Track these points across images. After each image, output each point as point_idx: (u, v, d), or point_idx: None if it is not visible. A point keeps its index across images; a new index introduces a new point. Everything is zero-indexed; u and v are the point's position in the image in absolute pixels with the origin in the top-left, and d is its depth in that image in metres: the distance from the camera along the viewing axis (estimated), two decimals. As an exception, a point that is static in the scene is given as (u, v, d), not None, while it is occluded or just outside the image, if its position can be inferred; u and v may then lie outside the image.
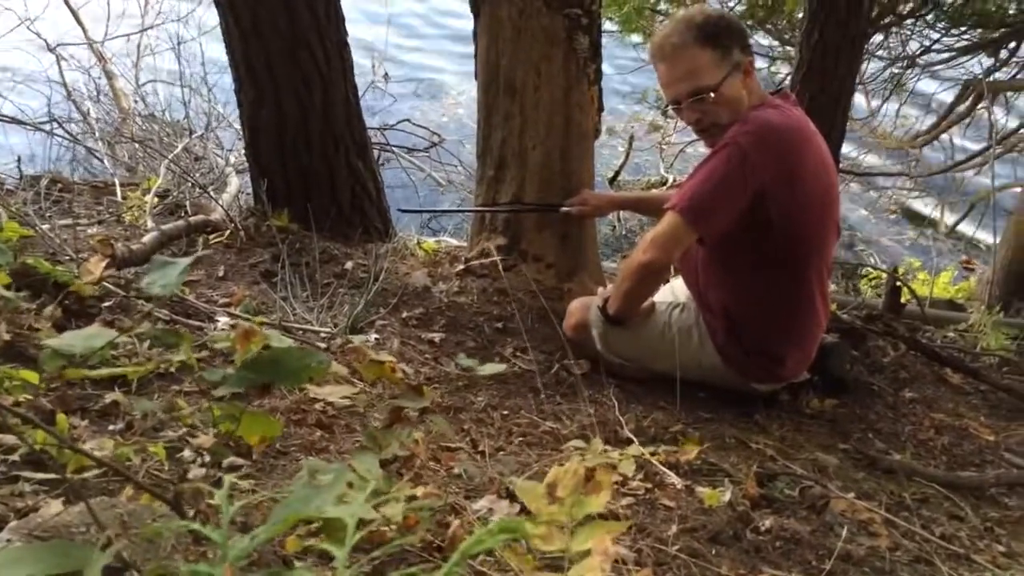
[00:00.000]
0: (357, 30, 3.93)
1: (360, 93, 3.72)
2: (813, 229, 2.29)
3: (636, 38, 7.59)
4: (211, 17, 3.39)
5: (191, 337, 1.02)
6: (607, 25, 7.88)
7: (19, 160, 3.97)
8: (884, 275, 5.11)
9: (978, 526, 1.92)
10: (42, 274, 2.33)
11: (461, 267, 2.97)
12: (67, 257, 2.66)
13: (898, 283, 3.66)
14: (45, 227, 2.93)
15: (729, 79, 2.22)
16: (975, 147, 7.54)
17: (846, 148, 7.89)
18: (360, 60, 7.88)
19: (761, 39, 7.47)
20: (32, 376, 1.31)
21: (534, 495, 1.14)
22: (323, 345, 2.01)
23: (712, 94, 2.21)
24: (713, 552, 1.52)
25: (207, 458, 1.49)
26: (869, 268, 6.13)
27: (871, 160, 8.74)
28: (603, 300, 2.46)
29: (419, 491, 1.23)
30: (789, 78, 4.23)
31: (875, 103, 8.00)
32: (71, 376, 1.19)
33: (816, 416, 2.49)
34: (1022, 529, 1.97)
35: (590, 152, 2.98)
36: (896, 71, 7.31)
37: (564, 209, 2.80)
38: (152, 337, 1.19)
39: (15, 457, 1.43)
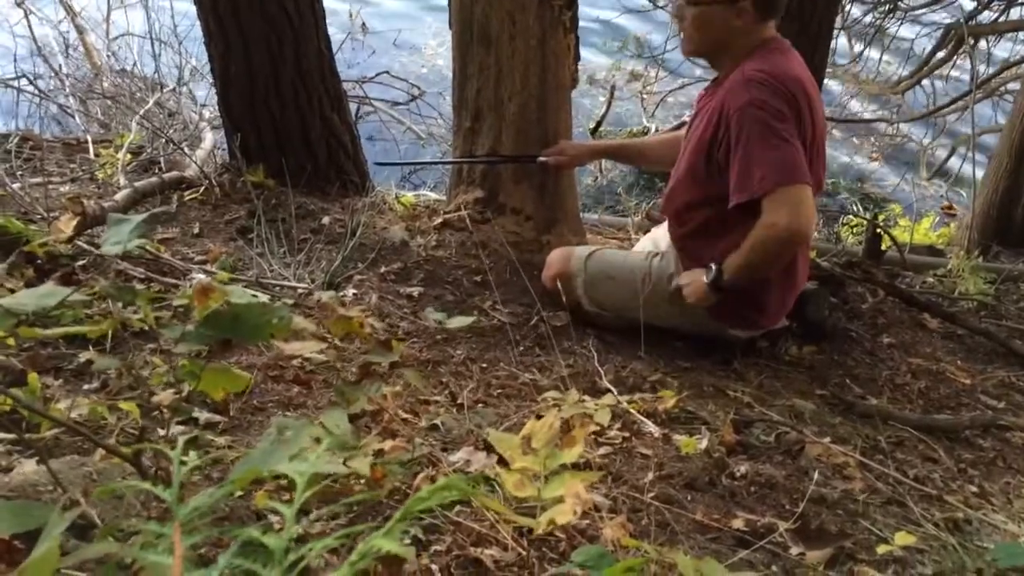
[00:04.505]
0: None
1: (338, 46, 3.65)
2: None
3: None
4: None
5: (147, 294, 1.01)
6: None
7: (-12, 118, 3.89)
8: (865, 222, 5.12)
9: (952, 467, 1.95)
10: (13, 234, 2.30)
11: (439, 221, 2.95)
12: (39, 216, 2.62)
13: (878, 230, 3.67)
14: (16, 186, 2.88)
15: (713, 7, 2.20)
16: (958, 92, 7.51)
17: (827, 95, 7.85)
18: (337, 8, 7.75)
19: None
20: (-1, 334, 1.30)
21: (509, 445, 1.14)
22: (291, 301, 1.99)
23: (688, 6, 2.22)
24: (688, 498, 1.54)
25: (182, 415, 1.48)
26: (850, 215, 6.13)
27: (853, 106, 8.71)
28: (716, 268, 2.29)
29: (387, 445, 1.23)
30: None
31: (857, 48, 7.95)
32: (25, 335, 1.17)
33: (794, 363, 2.50)
34: (995, 470, 2.01)
35: (567, 102, 2.94)
36: (878, 16, 7.25)
37: (541, 159, 2.77)
38: (108, 294, 1.17)
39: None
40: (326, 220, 3.00)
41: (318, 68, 3.33)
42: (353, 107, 6.01)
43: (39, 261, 2.25)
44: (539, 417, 1.25)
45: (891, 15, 7.29)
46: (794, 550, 1.41)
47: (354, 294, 2.42)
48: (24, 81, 5.14)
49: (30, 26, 6.52)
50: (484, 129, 2.86)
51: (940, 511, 1.68)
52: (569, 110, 2.97)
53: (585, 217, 3.57)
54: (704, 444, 1.74)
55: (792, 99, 2.15)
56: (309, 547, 0.56)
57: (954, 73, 7.64)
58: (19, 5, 6.63)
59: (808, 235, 2.20)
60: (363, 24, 8.81)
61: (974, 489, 1.85)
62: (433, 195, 4.20)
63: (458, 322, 1.65)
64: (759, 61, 2.21)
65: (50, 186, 3.16)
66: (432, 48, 9.41)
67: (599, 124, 7.88)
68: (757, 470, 1.69)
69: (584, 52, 3.02)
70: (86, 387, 1.73)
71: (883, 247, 3.61)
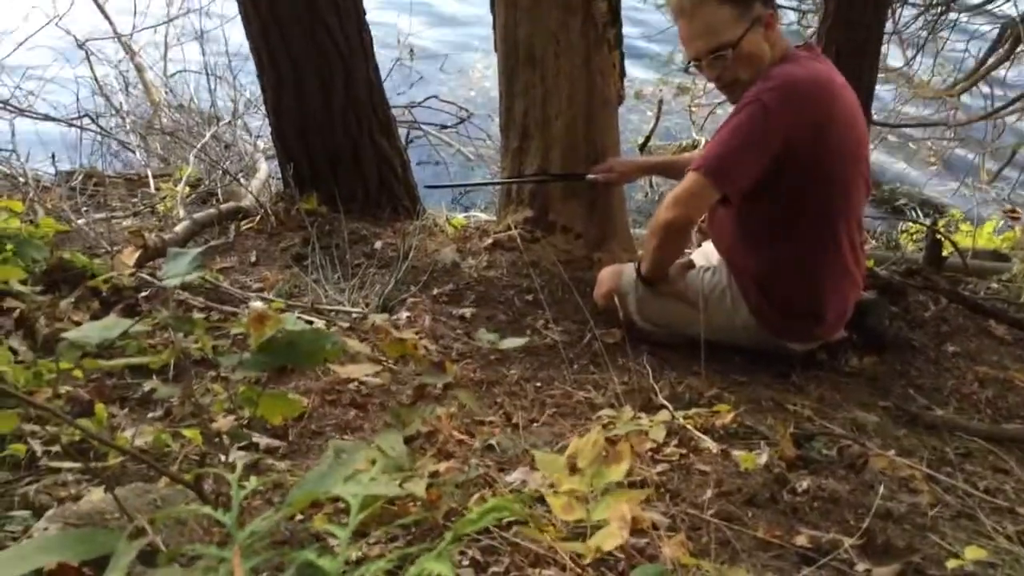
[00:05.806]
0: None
1: (386, 73, 3.70)
2: (841, 184, 2.25)
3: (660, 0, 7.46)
4: (232, 6, 3.39)
5: (204, 323, 1.04)
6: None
7: (53, 156, 4.02)
8: (924, 228, 5.01)
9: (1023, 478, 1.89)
10: (79, 268, 2.38)
11: (490, 241, 2.96)
12: (103, 250, 2.70)
13: (938, 236, 3.58)
14: (81, 222, 2.98)
15: (749, 35, 2.18)
16: (1016, 92, 7.31)
17: (883, 99, 7.70)
18: (385, 39, 7.87)
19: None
20: (66, 365, 1.34)
21: (555, 467, 1.14)
22: (346, 325, 2.02)
23: (731, 51, 2.18)
24: (749, 515, 1.52)
25: (242, 441, 1.51)
26: (910, 222, 6.00)
27: (908, 110, 8.53)
28: (639, 263, 2.46)
29: (442, 466, 1.23)
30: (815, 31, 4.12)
31: (910, 51, 7.79)
32: (91, 367, 1.21)
33: (855, 374, 2.45)
34: (1070, 480, 1.93)
35: (614, 119, 2.94)
36: (930, 17, 7.11)
37: (590, 177, 2.77)
38: (168, 325, 1.21)
39: (57, 448, 1.47)
40: (378, 244, 3.04)
41: (367, 96, 3.39)
42: (403, 132, 6.11)
43: (103, 294, 2.33)
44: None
45: (944, 16, 7.14)
46: (860, 566, 1.38)
47: (407, 317, 2.44)
48: (87, 120, 5.31)
49: (91, 66, 6.74)
50: (532, 148, 2.88)
51: (1012, 523, 1.62)
52: (616, 127, 2.98)
53: (636, 233, 3.56)
54: (764, 459, 1.71)
55: (803, 105, 2.14)
56: (365, 569, 0.57)
57: (1011, 75, 7.44)
58: (81, 46, 6.87)
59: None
60: (411, 49, 8.93)
61: (1049, 500, 1.78)
62: (483, 216, 4.23)
63: (511, 342, 1.66)
64: (788, 64, 2.20)
65: (113, 220, 3.26)
66: (479, 71, 9.49)
67: (648, 139, 7.85)
68: (819, 485, 1.65)
69: (630, 67, 3.02)
70: (150, 415, 1.78)
71: (944, 253, 3.52)
